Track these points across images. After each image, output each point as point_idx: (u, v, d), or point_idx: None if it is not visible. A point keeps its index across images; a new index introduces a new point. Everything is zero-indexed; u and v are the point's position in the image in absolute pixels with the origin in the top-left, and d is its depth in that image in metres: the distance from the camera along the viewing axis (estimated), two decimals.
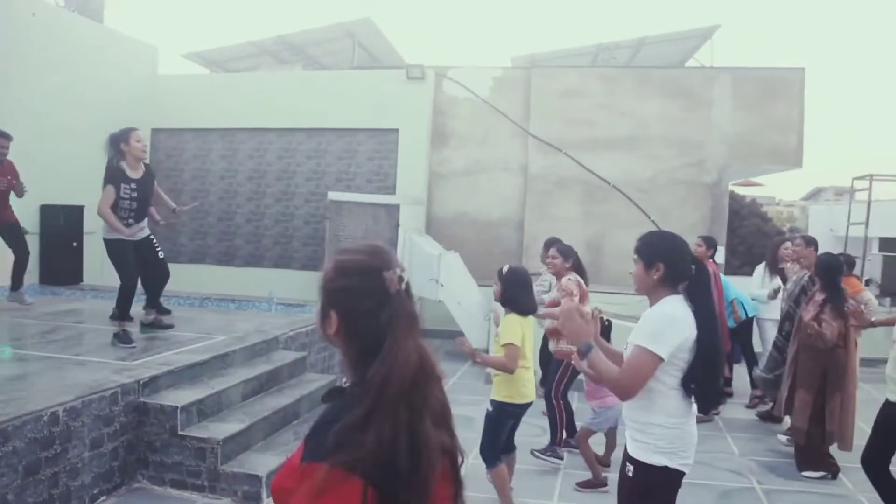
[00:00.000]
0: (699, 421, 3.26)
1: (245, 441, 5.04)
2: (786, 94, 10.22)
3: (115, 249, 5.86)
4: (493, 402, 4.61)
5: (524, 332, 4.52)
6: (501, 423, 4.64)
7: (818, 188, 33.82)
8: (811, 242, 6.61)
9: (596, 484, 5.23)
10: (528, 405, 4.61)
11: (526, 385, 4.55)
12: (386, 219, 9.82)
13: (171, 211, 6.51)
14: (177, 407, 4.77)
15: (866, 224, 9.52)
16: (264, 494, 4.67)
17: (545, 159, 10.89)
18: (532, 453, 5.74)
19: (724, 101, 10.35)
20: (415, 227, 10.34)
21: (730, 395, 7.80)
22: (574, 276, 5.87)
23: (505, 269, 4.78)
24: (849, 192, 14.10)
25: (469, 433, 6.47)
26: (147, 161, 6.06)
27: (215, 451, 4.70)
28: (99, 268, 10.66)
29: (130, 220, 5.87)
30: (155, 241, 6.26)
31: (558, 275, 6.05)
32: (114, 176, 5.81)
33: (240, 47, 14.54)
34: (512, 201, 11.07)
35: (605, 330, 5.55)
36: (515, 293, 4.68)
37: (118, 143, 5.81)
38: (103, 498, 4.52)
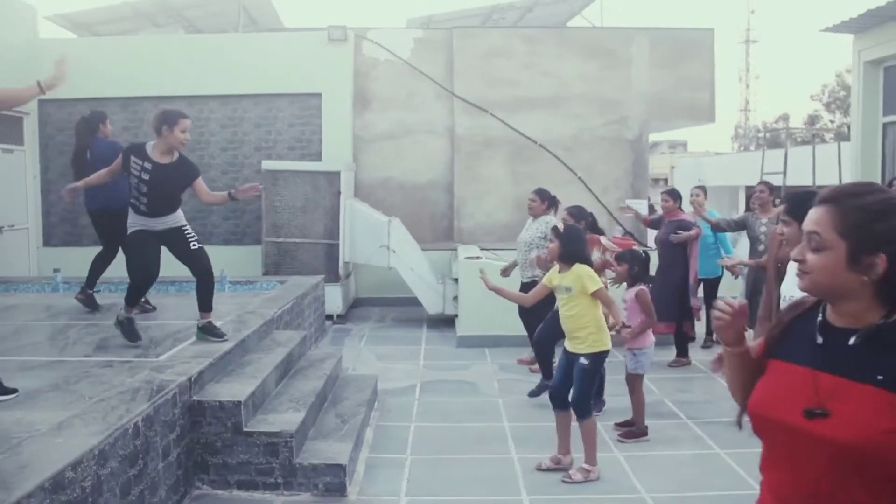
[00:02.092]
0: None
1: (303, 431, 4.76)
2: (698, 54, 10.83)
3: (132, 240, 5.23)
4: (587, 356, 4.69)
5: None
6: (597, 373, 4.86)
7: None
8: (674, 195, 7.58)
9: (638, 434, 5.43)
10: None
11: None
12: (326, 186, 9.45)
13: (229, 198, 5.51)
14: (239, 402, 4.40)
15: (784, 174, 10.33)
16: (348, 483, 4.46)
17: (471, 120, 10.88)
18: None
19: (641, 60, 10.80)
20: (348, 195, 10.03)
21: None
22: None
23: (561, 226, 4.91)
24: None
25: (477, 396, 6.53)
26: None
27: (289, 445, 4.41)
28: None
29: (142, 207, 5.22)
30: (188, 230, 5.39)
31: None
32: (132, 147, 5.22)
33: (113, 8, 13.29)
34: (439, 164, 11.00)
35: (644, 262, 5.74)
36: (579, 248, 4.83)
37: (160, 125, 5.08)
38: None
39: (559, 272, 4.85)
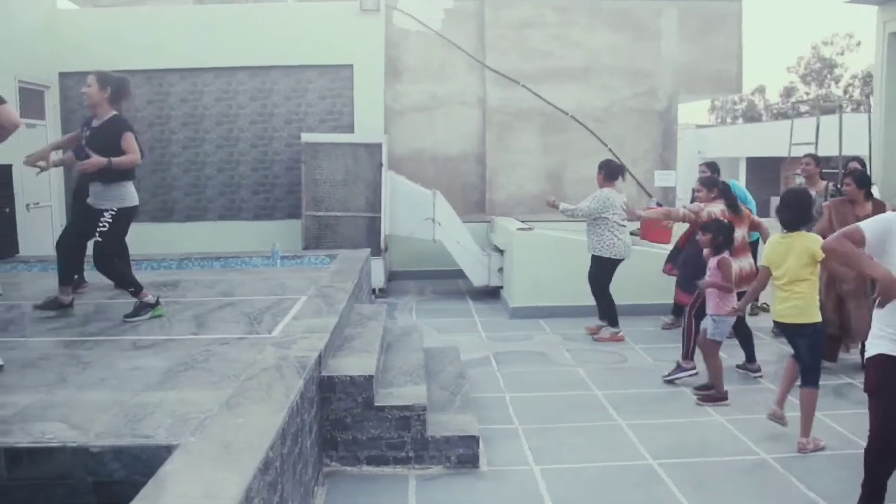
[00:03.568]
0: None
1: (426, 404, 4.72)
2: (725, 25, 10.84)
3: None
4: (813, 325, 4.58)
5: None
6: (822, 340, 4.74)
7: None
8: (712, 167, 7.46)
9: (718, 398, 5.48)
10: None
11: None
12: (367, 159, 9.33)
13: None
14: (371, 376, 4.34)
15: (815, 144, 10.43)
16: (481, 455, 4.45)
17: (503, 91, 10.80)
18: (665, 380, 5.93)
19: (670, 32, 10.78)
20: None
21: None
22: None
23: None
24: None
25: (554, 366, 6.55)
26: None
27: (421, 418, 4.37)
28: (39, 237, 9.33)
29: None
30: None
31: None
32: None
33: None
34: (471, 135, 10.91)
35: (729, 232, 5.73)
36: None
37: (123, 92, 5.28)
38: (316, 489, 4.08)
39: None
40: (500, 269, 9.22)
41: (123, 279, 5.34)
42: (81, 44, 9.89)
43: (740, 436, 4.86)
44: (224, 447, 2.89)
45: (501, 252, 9.28)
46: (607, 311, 7.39)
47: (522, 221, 9.83)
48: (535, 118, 10.86)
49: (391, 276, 10.54)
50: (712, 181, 6.36)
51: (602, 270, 7.29)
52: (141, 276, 6.85)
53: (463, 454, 4.40)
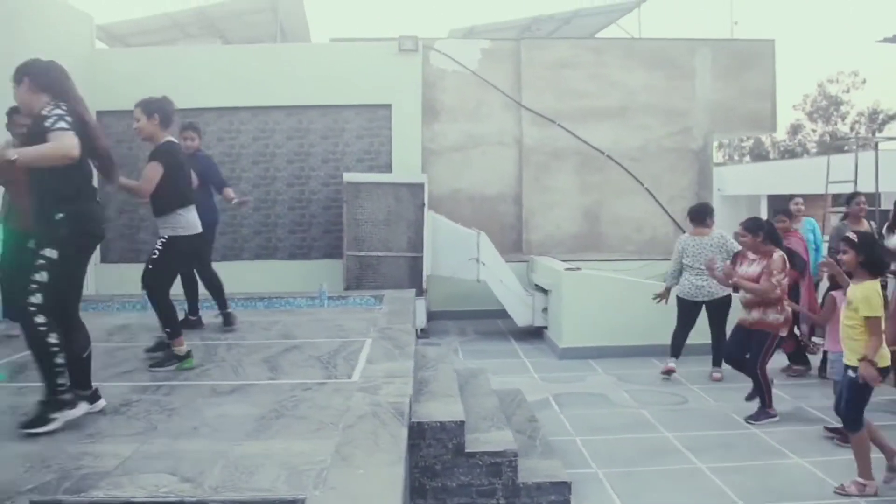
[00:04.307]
0: None
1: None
2: (759, 65, 10.89)
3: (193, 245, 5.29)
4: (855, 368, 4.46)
5: None
6: (869, 387, 4.52)
7: None
8: None
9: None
10: None
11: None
12: (409, 198, 9.28)
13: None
14: (462, 422, 4.21)
15: (854, 182, 10.41)
16: (573, 502, 4.30)
17: (539, 131, 10.81)
18: (748, 422, 5.79)
19: (704, 71, 10.83)
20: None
21: None
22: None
23: (854, 236, 4.66)
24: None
25: (617, 408, 6.40)
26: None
27: (513, 465, 4.22)
28: None
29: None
30: None
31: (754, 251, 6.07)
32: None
33: (148, 20, 13.07)
34: (507, 175, 10.89)
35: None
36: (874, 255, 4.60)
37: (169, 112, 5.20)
38: None
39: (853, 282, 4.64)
40: (545, 309, 9.11)
41: (168, 317, 5.03)
42: (117, 83, 9.92)
43: (825, 477, 4.72)
44: (352, 501, 2.77)
45: (545, 292, 9.18)
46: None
47: (564, 261, 9.75)
48: (571, 157, 10.85)
49: (430, 316, 10.41)
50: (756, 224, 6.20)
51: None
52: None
53: (554, 500, 4.26)
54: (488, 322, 10.27)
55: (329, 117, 10.37)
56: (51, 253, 3.57)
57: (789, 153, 40.18)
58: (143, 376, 4.85)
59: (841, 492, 4.46)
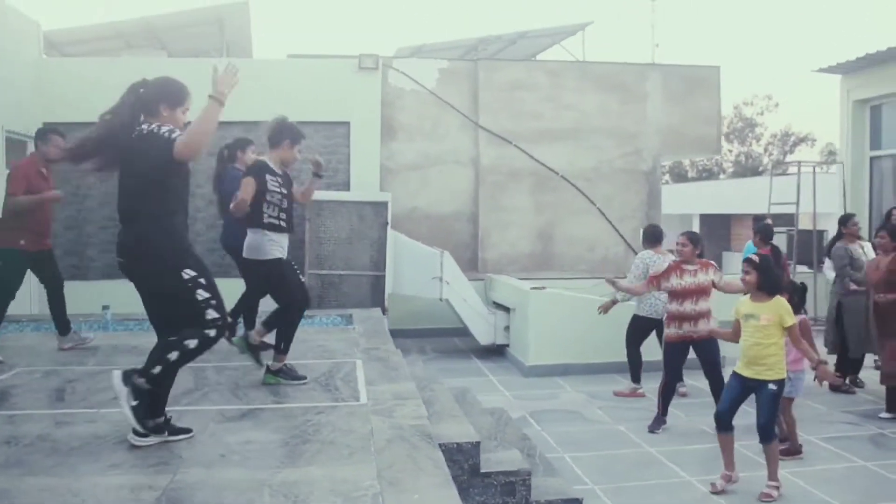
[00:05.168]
0: None
1: None
2: (706, 90, 11.39)
3: (278, 271, 4.97)
4: (777, 381, 4.83)
5: None
6: (781, 397, 4.95)
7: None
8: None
9: (794, 452, 5.61)
10: None
11: None
12: (372, 217, 9.27)
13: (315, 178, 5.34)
14: (478, 443, 4.28)
15: (797, 203, 10.95)
16: None
17: (496, 151, 10.99)
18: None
19: (655, 95, 11.25)
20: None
21: None
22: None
23: (756, 258, 5.01)
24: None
25: (594, 424, 6.57)
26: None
27: (527, 483, 4.30)
28: None
29: (282, 223, 4.94)
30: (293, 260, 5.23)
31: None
32: (262, 166, 4.96)
33: (87, 29, 12.67)
34: (464, 194, 11.02)
35: (802, 292, 5.94)
36: (779, 278, 5.07)
37: (282, 137, 4.96)
38: None
39: (752, 300, 4.97)
40: (506, 328, 9.25)
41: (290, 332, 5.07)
42: (66, 93, 9.59)
43: (808, 488, 4.99)
44: None
45: (506, 310, 9.32)
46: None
47: (521, 279, 9.93)
48: (526, 178, 11.07)
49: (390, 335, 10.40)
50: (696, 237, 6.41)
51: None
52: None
53: None
54: (446, 340, 10.34)
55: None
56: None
57: (707, 173, 41.79)
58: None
59: (767, 499, 4.79)
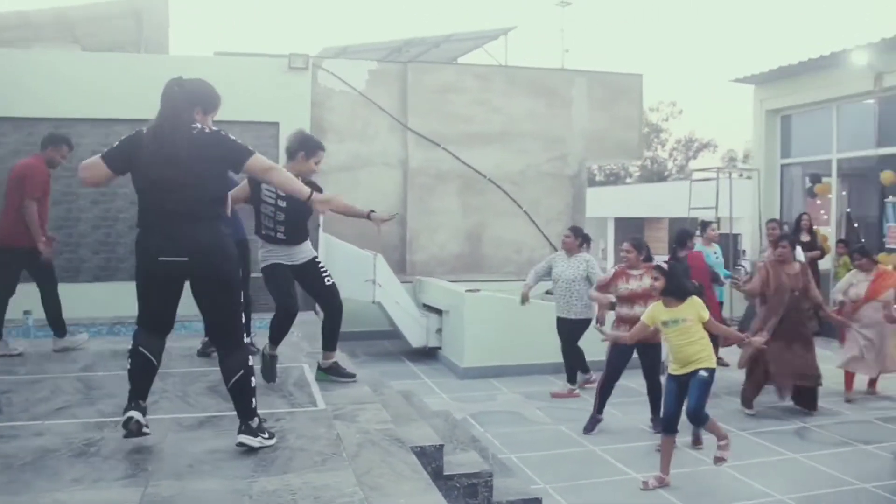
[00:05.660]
0: None
1: None
2: (629, 96, 11.78)
3: (267, 275, 5.02)
4: (708, 369, 5.14)
5: None
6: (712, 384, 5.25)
7: None
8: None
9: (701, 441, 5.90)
10: None
11: None
12: None
13: (367, 218, 5.49)
14: (441, 446, 4.31)
15: (716, 207, 11.42)
16: None
17: (424, 153, 11.03)
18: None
19: (580, 101, 11.55)
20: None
21: None
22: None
23: (666, 265, 5.37)
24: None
25: (535, 425, 6.70)
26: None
27: (489, 485, 4.36)
28: None
29: (278, 234, 4.93)
30: (321, 264, 5.31)
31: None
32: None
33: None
34: (393, 196, 11.00)
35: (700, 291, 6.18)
36: (687, 282, 5.43)
37: (298, 149, 5.03)
38: None
39: (666, 307, 5.21)
40: (438, 330, 9.30)
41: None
42: None
43: (747, 480, 5.26)
44: None
45: (437, 312, 9.38)
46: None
47: (451, 282, 10.01)
48: (455, 180, 11.16)
49: None
50: (640, 243, 6.66)
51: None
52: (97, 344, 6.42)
53: None
54: (375, 343, 10.30)
55: None
56: None
57: (614, 177, 43.12)
58: (83, 411, 4.51)
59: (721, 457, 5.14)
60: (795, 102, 11.63)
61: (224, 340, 3.72)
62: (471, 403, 7.45)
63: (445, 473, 4.30)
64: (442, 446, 4.30)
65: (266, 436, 3.74)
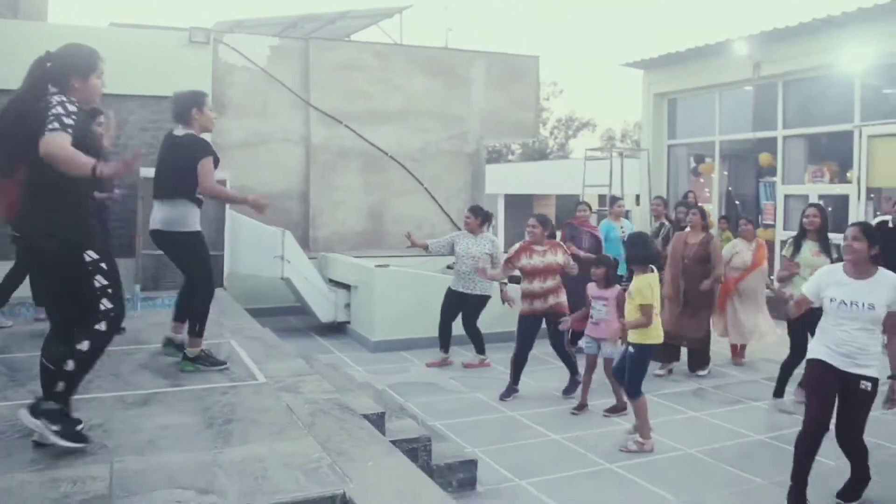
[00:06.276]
0: None
1: None
2: (525, 77, 12.20)
3: (200, 242, 5.08)
4: (634, 345, 5.50)
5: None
6: (646, 360, 5.61)
7: None
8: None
9: (620, 409, 6.37)
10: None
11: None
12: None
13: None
14: (383, 413, 4.54)
15: (609, 185, 12.03)
16: (478, 477, 4.81)
17: (326, 130, 11.05)
18: (565, 395, 6.80)
19: (479, 81, 11.87)
20: None
21: None
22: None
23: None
24: None
25: (454, 394, 7.02)
26: None
27: (428, 449, 4.62)
28: None
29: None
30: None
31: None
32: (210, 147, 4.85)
33: None
34: (295, 173, 10.98)
35: (615, 266, 6.62)
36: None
37: (189, 107, 4.79)
38: None
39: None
40: (347, 305, 9.44)
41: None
42: None
43: (657, 437, 5.76)
44: (396, 494, 3.06)
45: (345, 287, 9.51)
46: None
47: (355, 257, 10.14)
48: (357, 157, 11.25)
49: None
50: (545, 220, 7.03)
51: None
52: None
53: (463, 478, 4.73)
54: (282, 319, 10.27)
55: (111, 108, 9.58)
56: None
57: (496, 154, 44.07)
58: (14, 393, 4.42)
59: (625, 450, 5.46)
60: (682, 87, 12.43)
61: None
62: (386, 375, 7.66)
63: (389, 440, 4.52)
64: (384, 413, 4.51)
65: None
